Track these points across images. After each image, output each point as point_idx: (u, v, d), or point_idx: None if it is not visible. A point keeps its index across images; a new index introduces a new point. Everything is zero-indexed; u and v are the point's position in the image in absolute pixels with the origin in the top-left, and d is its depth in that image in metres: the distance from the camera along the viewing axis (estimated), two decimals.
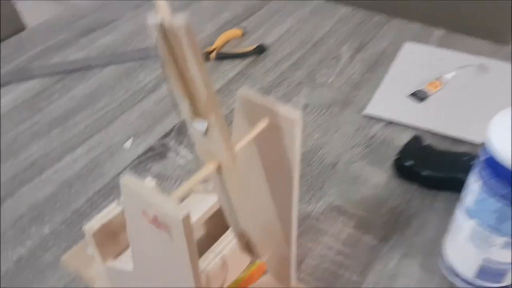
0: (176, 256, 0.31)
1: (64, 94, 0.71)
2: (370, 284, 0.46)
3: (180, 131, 0.63)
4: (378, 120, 0.64)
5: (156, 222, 0.29)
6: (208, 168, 0.29)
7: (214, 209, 0.43)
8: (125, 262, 0.43)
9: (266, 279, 0.46)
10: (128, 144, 0.62)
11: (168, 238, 0.30)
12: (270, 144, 0.31)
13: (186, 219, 0.27)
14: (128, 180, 0.29)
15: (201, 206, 0.42)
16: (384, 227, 0.51)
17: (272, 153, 0.31)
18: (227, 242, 0.42)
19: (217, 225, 0.44)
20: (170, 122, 0.65)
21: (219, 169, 0.30)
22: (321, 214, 0.53)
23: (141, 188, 0.29)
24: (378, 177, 0.57)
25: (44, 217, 0.54)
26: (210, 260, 0.41)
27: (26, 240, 0.52)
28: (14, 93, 0.71)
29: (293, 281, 0.46)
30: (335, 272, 0.48)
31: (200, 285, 0.32)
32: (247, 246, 0.40)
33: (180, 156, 0.60)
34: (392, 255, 0.49)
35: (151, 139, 0.63)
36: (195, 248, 0.30)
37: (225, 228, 0.43)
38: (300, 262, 0.48)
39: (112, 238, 0.43)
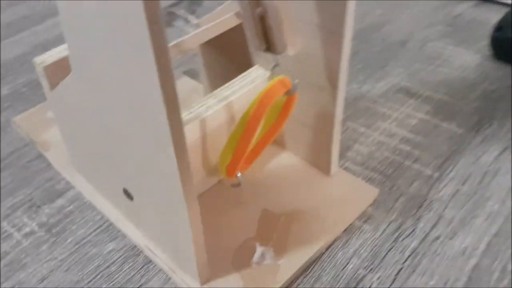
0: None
1: None
2: (455, 181, 0.30)
3: (194, 1, 0.49)
4: None
5: None
6: None
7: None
8: None
9: (297, 163, 0.31)
10: None
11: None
12: None
13: None
14: None
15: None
16: (476, 113, 0.35)
17: None
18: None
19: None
20: None
21: None
22: (381, 96, 0.37)
23: None
24: (466, 58, 0.40)
25: (8, 77, 0.40)
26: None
27: None
28: None
29: (334, 168, 0.30)
30: (400, 163, 0.32)
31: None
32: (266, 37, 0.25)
33: (190, 25, 0.45)
34: (487, 148, 0.32)
35: None
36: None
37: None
38: (345, 149, 0.33)
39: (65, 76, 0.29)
